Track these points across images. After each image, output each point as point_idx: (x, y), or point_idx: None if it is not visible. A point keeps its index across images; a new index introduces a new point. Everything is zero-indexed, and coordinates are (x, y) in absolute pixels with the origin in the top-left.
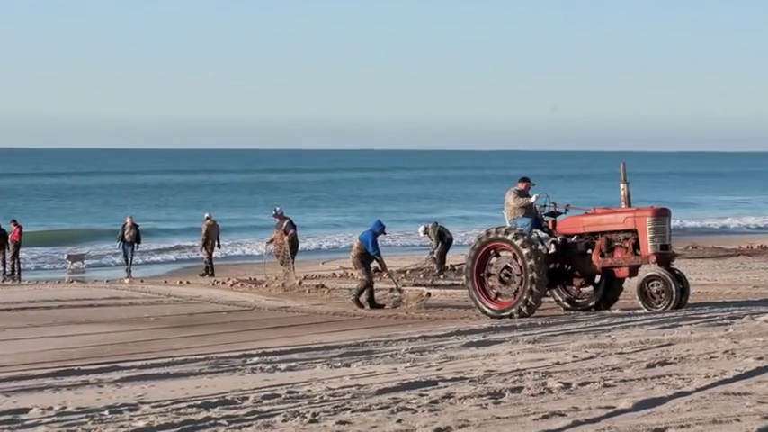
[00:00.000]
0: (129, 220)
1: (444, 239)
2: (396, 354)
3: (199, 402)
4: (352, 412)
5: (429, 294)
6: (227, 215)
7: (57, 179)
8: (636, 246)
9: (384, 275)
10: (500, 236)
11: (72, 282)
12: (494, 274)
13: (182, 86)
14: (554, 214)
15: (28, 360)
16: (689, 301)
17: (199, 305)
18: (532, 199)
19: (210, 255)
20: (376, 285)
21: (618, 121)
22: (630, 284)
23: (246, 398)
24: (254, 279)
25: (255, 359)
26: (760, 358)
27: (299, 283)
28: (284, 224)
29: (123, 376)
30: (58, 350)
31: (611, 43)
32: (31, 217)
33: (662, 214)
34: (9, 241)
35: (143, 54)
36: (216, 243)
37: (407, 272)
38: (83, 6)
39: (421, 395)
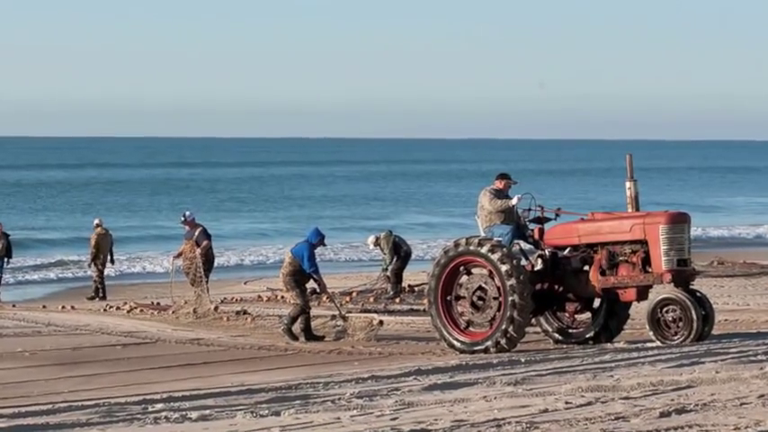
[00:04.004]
0: None
1: (400, 253)
2: (339, 399)
3: None
4: None
5: (381, 323)
6: (123, 222)
7: None
8: (646, 261)
9: (324, 299)
10: (472, 248)
11: None
12: (464, 298)
13: (62, 58)
14: (541, 220)
15: None
16: (713, 332)
17: (87, 337)
18: (513, 201)
19: (101, 272)
20: (314, 311)
21: (623, 101)
22: (639, 310)
23: None
24: (158, 303)
25: (159, 406)
26: None
27: (215, 308)
28: (196, 233)
29: None
30: None
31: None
32: None
33: (679, 221)
34: None
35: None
36: (108, 258)
37: (354, 294)
38: None
39: None
